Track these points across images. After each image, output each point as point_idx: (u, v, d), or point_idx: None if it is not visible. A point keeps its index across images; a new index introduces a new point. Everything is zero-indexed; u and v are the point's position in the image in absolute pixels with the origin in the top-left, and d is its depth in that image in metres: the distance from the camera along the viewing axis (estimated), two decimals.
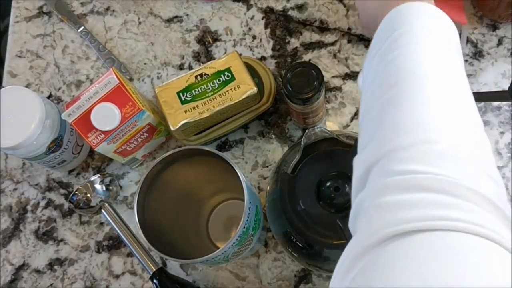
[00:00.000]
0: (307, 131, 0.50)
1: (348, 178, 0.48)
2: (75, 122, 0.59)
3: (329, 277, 0.62)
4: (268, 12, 0.73)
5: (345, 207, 0.48)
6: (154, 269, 0.55)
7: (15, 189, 0.71)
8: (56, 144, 0.63)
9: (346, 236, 0.44)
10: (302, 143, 0.49)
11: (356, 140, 0.49)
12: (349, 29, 0.70)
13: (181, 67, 0.72)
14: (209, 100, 0.62)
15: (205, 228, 0.66)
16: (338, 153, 0.49)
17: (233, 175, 0.49)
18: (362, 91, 0.43)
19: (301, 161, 0.50)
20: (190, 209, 0.62)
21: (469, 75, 0.67)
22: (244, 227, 0.49)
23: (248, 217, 0.49)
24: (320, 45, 0.70)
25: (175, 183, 0.56)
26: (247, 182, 0.51)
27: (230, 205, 0.66)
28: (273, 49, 0.71)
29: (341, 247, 0.45)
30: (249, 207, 0.49)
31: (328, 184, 0.48)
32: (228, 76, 0.62)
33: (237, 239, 0.48)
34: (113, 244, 0.67)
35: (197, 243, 0.63)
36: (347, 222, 0.45)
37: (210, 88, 0.62)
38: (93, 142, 0.59)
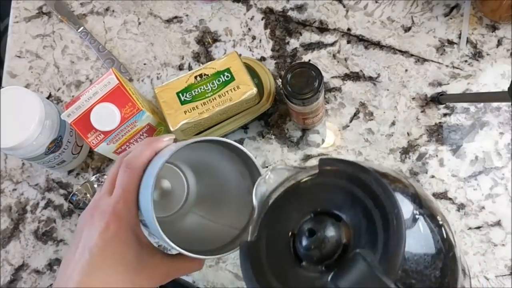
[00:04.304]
0: (259, 179, 0.36)
1: (329, 215, 0.34)
2: (75, 122, 0.59)
3: None
4: (267, 12, 0.73)
5: (335, 259, 0.32)
6: None
7: (14, 190, 0.71)
8: (55, 145, 0.63)
9: None
10: (254, 200, 0.36)
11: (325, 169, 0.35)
12: (348, 29, 0.70)
13: (180, 68, 0.72)
14: (209, 100, 0.62)
15: None
16: (301, 191, 0.36)
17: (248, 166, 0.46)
18: None
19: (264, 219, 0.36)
20: None
21: (468, 76, 0.67)
22: None
23: None
24: (319, 45, 0.70)
25: None
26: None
27: None
28: (272, 50, 0.71)
29: None
30: None
31: (301, 233, 0.34)
32: (227, 76, 0.62)
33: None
34: None
35: None
36: (341, 279, 0.30)
37: (210, 89, 0.62)
38: (93, 143, 0.59)
